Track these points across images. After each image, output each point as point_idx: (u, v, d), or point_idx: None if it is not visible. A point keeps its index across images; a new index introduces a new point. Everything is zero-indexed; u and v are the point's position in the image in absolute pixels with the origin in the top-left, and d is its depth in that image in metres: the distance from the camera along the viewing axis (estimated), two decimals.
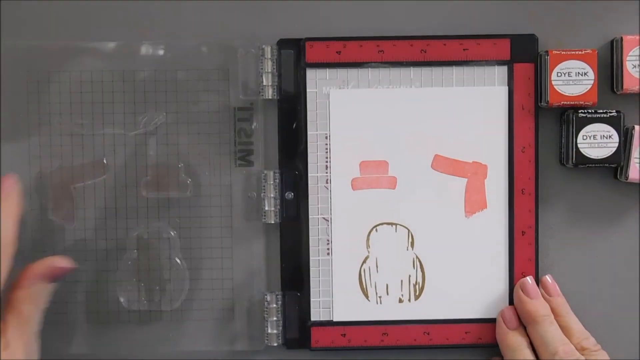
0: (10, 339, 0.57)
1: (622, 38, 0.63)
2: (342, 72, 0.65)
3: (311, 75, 0.65)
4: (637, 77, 0.63)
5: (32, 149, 0.65)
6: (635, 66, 0.63)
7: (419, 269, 0.65)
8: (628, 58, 0.63)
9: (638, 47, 0.63)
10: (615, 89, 0.64)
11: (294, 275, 0.65)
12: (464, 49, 0.64)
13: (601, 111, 0.63)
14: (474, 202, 0.65)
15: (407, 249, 0.65)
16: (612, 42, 0.65)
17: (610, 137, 0.63)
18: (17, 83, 0.64)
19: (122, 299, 0.65)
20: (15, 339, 0.57)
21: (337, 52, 0.64)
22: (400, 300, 0.65)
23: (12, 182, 0.60)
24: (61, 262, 0.60)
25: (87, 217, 0.65)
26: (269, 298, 0.65)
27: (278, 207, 0.65)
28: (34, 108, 0.65)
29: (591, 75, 0.62)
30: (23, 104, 0.65)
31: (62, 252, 0.64)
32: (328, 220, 0.65)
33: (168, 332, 0.65)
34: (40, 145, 0.65)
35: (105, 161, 0.65)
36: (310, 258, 0.65)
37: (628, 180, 0.63)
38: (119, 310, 0.65)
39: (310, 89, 0.65)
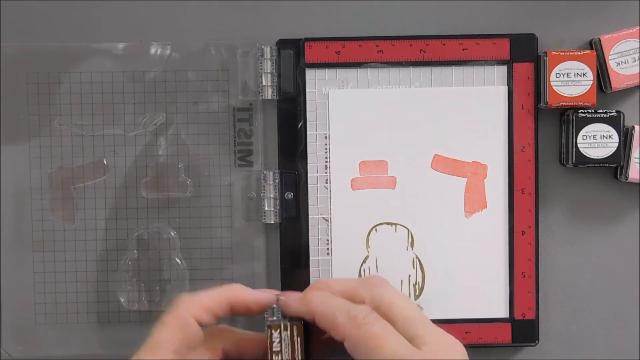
0: None
1: (599, 39, 0.63)
2: (341, 72, 0.65)
3: (310, 75, 0.65)
4: (623, 74, 0.63)
5: (32, 149, 0.65)
6: (619, 64, 0.63)
7: (419, 269, 0.65)
8: (610, 57, 0.63)
9: (620, 43, 0.63)
10: (604, 89, 0.64)
11: (294, 275, 0.65)
12: (463, 49, 0.64)
13: (601, 111, 0.63)
14: (474, 202, 0.65)
15: (407, 249, 0.65)
16: (590, 42, 0.65)
17: (610, 137, 0.63)
18: (17, 84, 0.64)
19: (122, 299, 0.65)
20: None
21: (336, 52, 0.64)
22: None
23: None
24: None
25: (87, 218, 0.65)
26: None
27: (278, 207, 0.65)
28: (34, 109, 0.65)
29: (590, 75, 0.62)
30: (23, 105, 0.65)
31: (62, 253, 0.65)
32: (328, 220, 0.65)
33: None
34: (41, 145, 0.65)
35: (105, 162, 0.65)
36: (310, 258, 0.65)
37: (628, 180, 0.63)
38: (119, 310, 0.65)
39: (309, 89, 0.65)
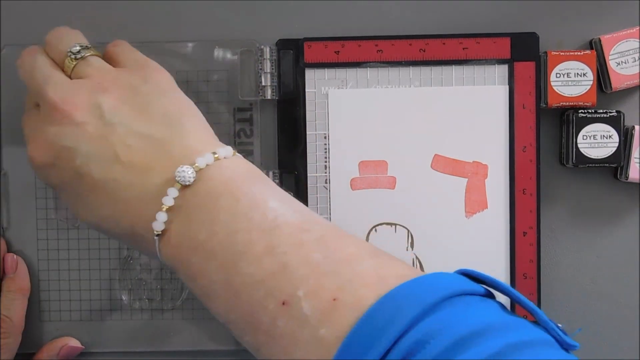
0: None
1: (599, 39, 0.63)
2: (340, 72, 0.65)
3: (310, 75, 0.65)
4: (623, 74, 0.63)
5: None
6: (619, 64, 0.62)
7: (418, 269, 0.65)
8: (610, 57, 0.62)
9: (620, 43, 0.63)
10: (604, 89, 0.64)
11: None
12: (463, 48, 0.64)
13: (601, 111, 0.62)
14: (475, 202, 0.65)
15: (407, 249, 0.65)
16: (590, 42, 0.64)
17: (610, 137, 0.62)
18: (18, 83, 0.65)
19: (123, 298, 0.65)
20: None
21: (335, 52, 0.64)
22: None
23: (14, 260, 0.65)
24: (72, 342, 0.65)
25: None
26: None
27: None
28: None
29: (590, 75, 0.62)
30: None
31: (65, 252, 0.65)
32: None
33: (168, 331, 0.65)
34: None
35: None
36: None
37: (628, 180, 0.63)
38: (122, 308, 0.66)
39: (309, 89, 0.65)
